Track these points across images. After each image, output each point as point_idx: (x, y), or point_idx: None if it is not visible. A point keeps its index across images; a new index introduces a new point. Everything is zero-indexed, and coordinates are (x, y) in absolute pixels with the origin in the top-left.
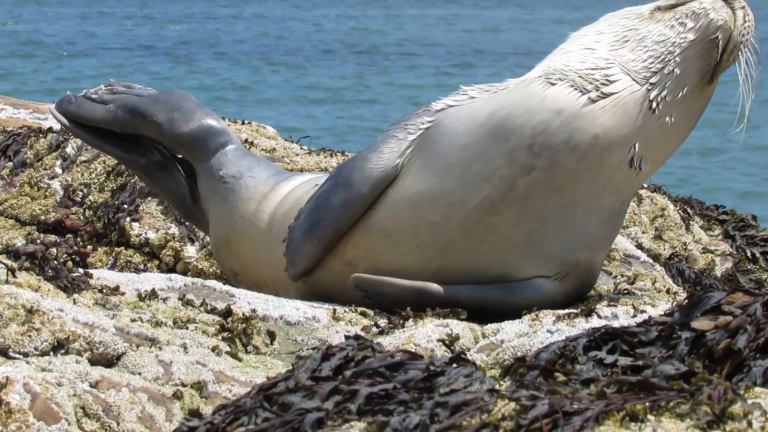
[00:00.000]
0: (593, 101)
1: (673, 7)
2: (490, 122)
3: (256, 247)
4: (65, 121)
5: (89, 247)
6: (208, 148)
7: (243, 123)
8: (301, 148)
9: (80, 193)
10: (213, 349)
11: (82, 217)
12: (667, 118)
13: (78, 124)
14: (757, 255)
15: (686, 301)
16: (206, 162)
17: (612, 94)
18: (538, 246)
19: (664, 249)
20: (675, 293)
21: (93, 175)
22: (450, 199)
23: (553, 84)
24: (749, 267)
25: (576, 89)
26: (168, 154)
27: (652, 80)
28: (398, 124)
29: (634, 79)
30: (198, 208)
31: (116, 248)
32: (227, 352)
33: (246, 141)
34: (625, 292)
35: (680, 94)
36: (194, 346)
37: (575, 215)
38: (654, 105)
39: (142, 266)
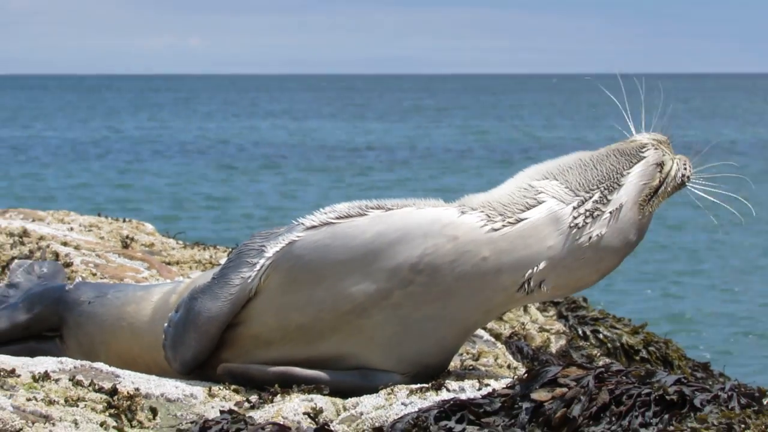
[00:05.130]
0: (496, 230)
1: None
2: (376, 241)
3: (140, 338)
4: None
5: None
6: (60, 298)
7: (124, 221)
8: (177, 243)
9: None
10: (101, 425)
11: None
12: (590, 238)
13: None
14: (588, 333)
15: (526, 375)
16: (67, 305)
17: (524, 219)
18: (395, 348)
19: (505, 329)
20: (515, 368)
21: None
22: (320, 305)
23: (463, 213)
24: (581, 344)
25: (484, 219)
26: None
27: (585, 196)
28: (252, 242)
29: (561, 200)
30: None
31: None
32: (114, 427)
33: (127, 237)
34: (471, 367)
35: (614, 209)
36: (84, 422)
37: (437, 328)
38: (579, 220)
39: None
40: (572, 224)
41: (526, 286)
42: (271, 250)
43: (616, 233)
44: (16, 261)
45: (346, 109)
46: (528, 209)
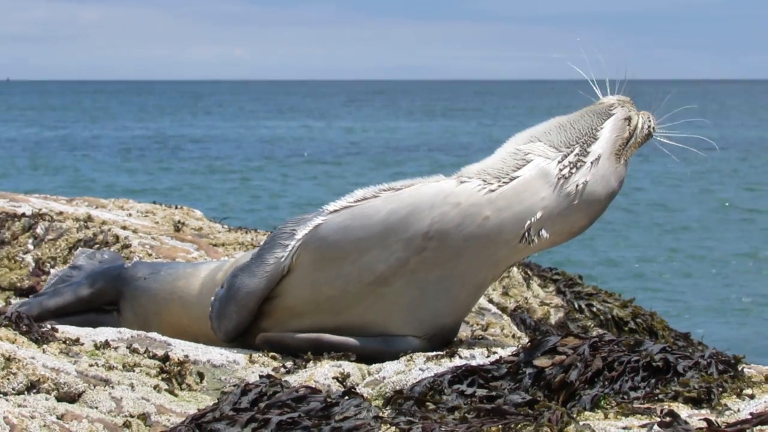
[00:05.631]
0: (493, 191)
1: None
2: (391, 218)
3: (189, 310)
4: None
5: None
6: (119, 275)
7: (176, 208)
8: (223, 227)
9: (48, 265)
10: (155, 387)
11: None
12: (577, 186)
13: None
14: (583, 307)
15: (529, 344)
16: (125, 281)
17: (516, 177)
18: (414, 311)
19: (510, 303)
20: (519, 338)
21: (58, 250)
22: (347, 278)
23: (462, 182)
24: (577, 316)
25: (481, 183)
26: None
27: (567, 151)
28: (285, 227)
29: (547, 157)
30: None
31: None
32: (166, 390)
33: (179, 222)
34: (480, 337)
35: (594, 159)
36: (140, 385)
37: (450, 288)
38: (565, 171)
39: None
40: (559, 176)
41: (526, 235)
42: (301, 232)
43: (599, 179)
44: (79, 249)
45: (384, 110)
46: (519, 169)
